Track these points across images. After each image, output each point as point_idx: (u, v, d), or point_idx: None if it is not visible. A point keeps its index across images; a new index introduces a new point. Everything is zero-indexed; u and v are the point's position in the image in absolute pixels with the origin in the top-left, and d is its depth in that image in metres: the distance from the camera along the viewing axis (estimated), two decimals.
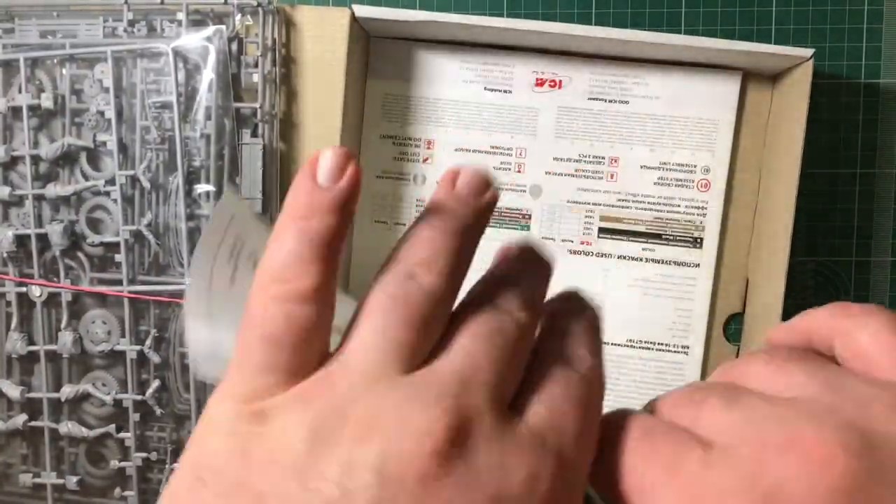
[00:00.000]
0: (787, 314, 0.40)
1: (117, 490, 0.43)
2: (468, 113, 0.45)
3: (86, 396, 0.43)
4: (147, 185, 0.41)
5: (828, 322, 0.21)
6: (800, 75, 0.41)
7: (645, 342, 0.45)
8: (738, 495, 0.18)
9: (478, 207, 0.22)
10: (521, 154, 0.45)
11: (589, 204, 0.45)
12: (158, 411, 0.41)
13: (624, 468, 0.20)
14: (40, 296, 0.43)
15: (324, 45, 0.41)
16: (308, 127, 0.41)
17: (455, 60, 0.45)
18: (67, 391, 0.43)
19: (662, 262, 0.45)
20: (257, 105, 0.40)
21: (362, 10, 0.41)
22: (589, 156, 0.45)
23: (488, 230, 0.22)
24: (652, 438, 0.20)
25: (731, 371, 0.21)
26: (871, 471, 0.17)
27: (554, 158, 0.45)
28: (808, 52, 0.40)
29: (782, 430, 0.18)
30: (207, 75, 0.40)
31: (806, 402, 0.19)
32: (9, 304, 0.44)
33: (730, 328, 0.46)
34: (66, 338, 0.43)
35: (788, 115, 0.42)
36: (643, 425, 0.21)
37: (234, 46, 0.41)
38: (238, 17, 0.40)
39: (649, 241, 0.45)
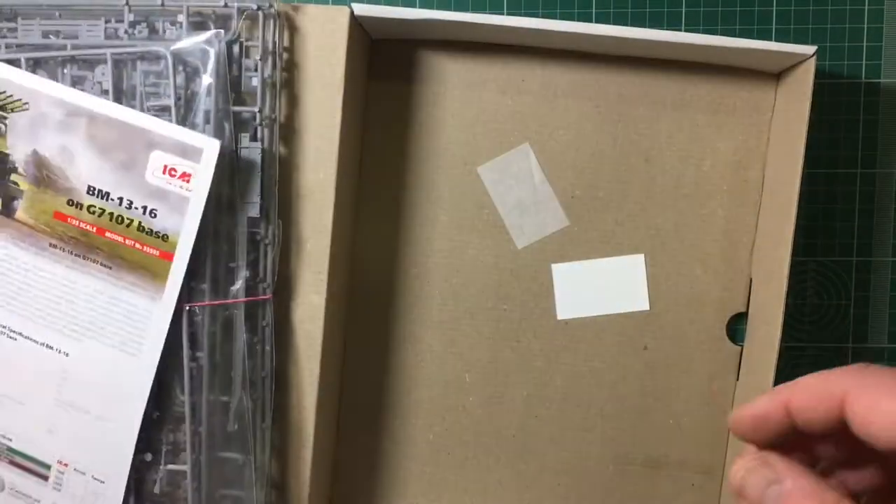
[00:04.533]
0: (788, 314, 0.40)
1: None
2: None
3: None
4: None
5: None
6: (802, 73, 0.40)
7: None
8: None
9: None
10: None
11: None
12: (155, 414, 0.42)
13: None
14: None
15: (324, 46, 0.41)
16: (309, 130, 0.41)
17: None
18: None
19: None
20: (256, 109, 0.40)
21: (362, 9, 0.41)
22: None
23: None
24: None
25: None
26: None
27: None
28: (811, 49, 0.39)
29: None
30: (206, 79, 0.40)
31: None
32: None
33: (733, 328, 0.46)
34: None
35: (791, 113, 0.42)
36: None
37: (236, 49, 0.40)
38: (238, 19, 0.40)
39: None
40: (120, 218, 0.40)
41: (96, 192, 0.40)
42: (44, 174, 0.40)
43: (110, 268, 0.40)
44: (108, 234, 0.40)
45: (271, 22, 0.40)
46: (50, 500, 0.42)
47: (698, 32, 0.44)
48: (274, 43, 0.41)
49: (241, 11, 0.40)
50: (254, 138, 0.41)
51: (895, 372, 0.26)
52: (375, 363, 0.47)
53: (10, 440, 0.42)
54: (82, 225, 0.40)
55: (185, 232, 0.40)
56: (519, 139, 0.45)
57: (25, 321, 0.41)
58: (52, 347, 0.41)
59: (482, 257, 0.46)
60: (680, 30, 0.45)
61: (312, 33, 0.41)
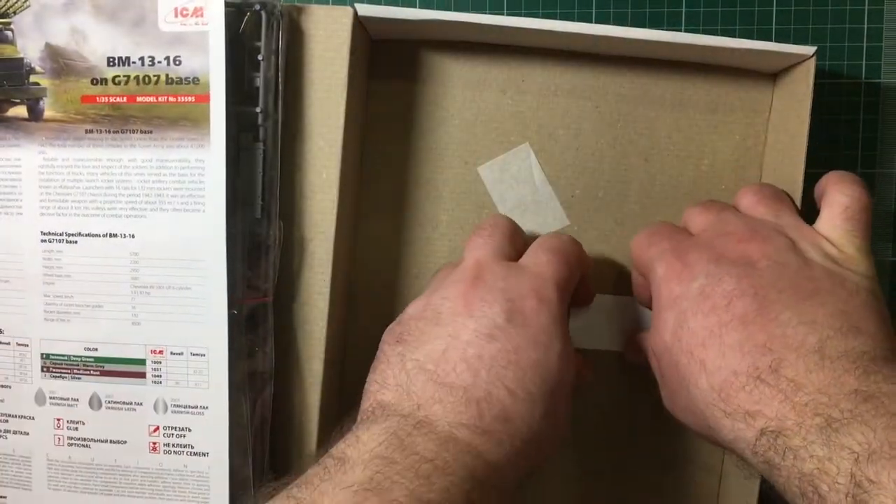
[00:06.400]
0: None
1: None
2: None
3: None
4: None
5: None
6: (802, 73, 0.41)
7: None
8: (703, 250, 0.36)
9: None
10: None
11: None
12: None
13: (642, 245, 0.39)
14: None
15: (327, 47, 0.41)
16: (311, 130, 0.41)
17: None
18: None
19: None
20: (259, 109, 0.40)
21: (365, 10, 0.40)
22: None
23: None
24: (659, 228, 0.40)
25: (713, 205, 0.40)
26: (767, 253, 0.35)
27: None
28: (811, 49, 0.40)
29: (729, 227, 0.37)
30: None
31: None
32: None
33: None
34: None
35: (790, 113, 0.42)
36: (656, 224, 0.41)
37: (237, 49, 0.40)
38: (242, 19, 0.40)
39: None
40: (146, 78, 0.39)
41: (116, 60, 0.39)
42: (61, 63, 0.40)
43: (151, 132, 0.40)
44: (139, 99, 0.40)
45: (275, 22, 0.40)
46: (152, 398, 0.41)
47: (698, 33, 0.45)
48: (277, 43, 0.40)
49: (243, 10, 0.40)
50: (256, 138, 0.40)
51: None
52: None
53: (96, 350, 0.41)
54: (111, 99, 0.40)
55: (214, 67, 0.39)
56: (519, 139, 0.45)
57: (81, 220, 0.40)
58: (115, 235, 0.40)
59: None
60: (680, 30, 0.46)
61: (316, 34, 0.41)
